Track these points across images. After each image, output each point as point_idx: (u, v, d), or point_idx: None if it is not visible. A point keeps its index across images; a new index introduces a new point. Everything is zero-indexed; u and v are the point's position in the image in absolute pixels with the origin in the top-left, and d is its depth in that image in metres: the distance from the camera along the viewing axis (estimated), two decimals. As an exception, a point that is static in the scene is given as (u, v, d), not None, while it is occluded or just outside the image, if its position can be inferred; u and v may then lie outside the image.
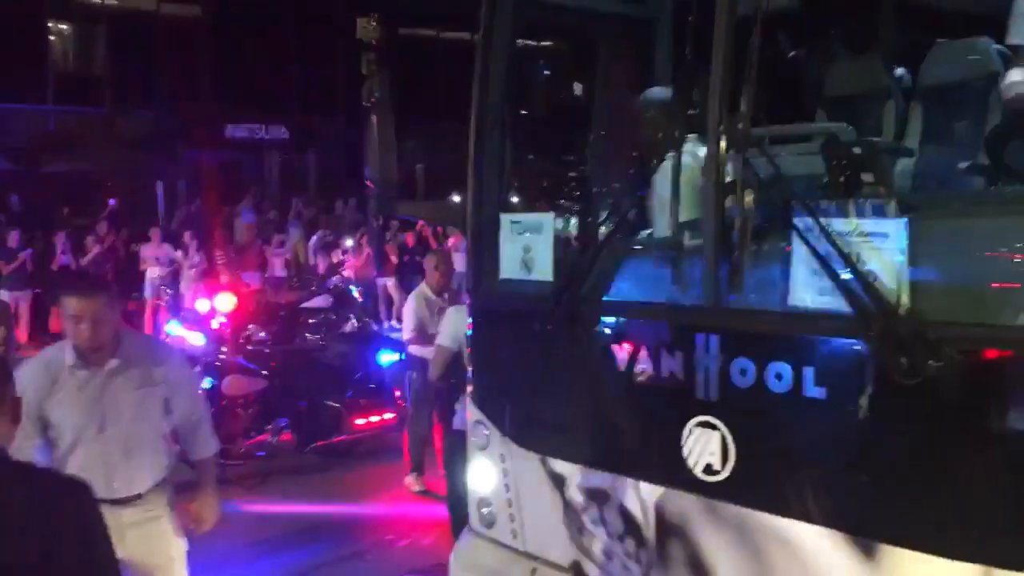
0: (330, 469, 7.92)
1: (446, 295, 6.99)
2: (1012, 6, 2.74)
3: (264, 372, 7.90)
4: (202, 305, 9.19)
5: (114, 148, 21.46)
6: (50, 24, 23.94)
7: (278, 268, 15.03)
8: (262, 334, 8.52)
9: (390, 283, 15.40)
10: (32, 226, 14.95)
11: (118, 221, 16.52)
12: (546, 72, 4.20)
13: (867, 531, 2.55)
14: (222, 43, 24.61)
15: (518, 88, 3.90)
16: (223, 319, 8.32)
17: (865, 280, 2.49)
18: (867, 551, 2.54)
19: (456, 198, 3.86)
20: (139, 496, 3.64)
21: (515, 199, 3.81)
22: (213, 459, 4.05)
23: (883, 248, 2.50)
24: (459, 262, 8.95)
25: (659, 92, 3.60)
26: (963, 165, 3.10)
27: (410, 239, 16.05)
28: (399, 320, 12.58)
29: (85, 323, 3.42)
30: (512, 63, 3.79)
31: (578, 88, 4.26)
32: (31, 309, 14.03)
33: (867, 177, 2.77)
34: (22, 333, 13.10)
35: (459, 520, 5.25)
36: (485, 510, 3.71)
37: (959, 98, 3.47)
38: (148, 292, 14.51)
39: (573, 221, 3.60)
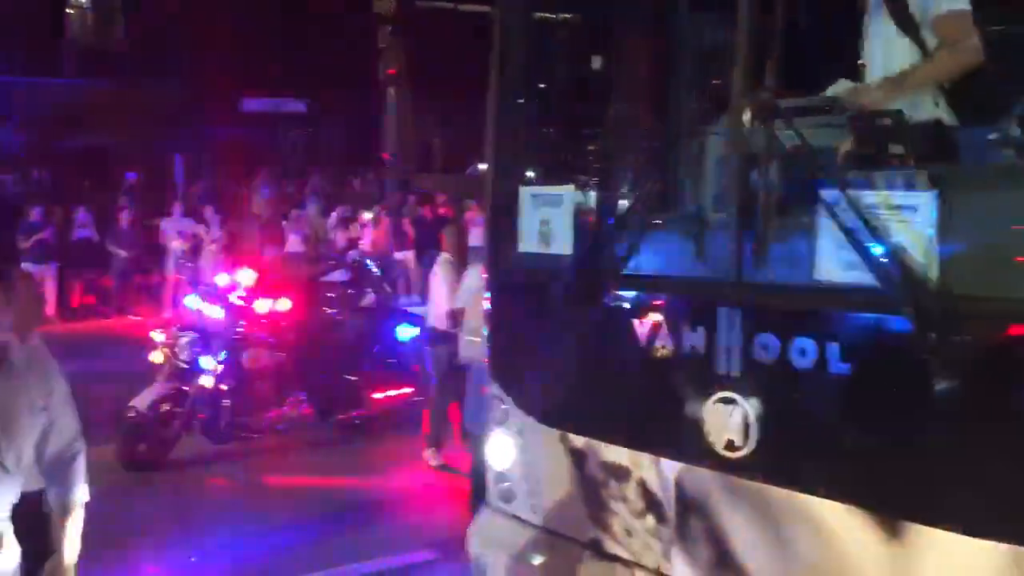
0: (349, 443, 7.96)
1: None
2: None
3: (283, 346, 7.92)
4: (222, 279, 9.20)
5: (132, 122, 21.47)
6: (68, -2, 23.96)
7: (296, 243, 15.03)
8: (281, 308, 8.53)
9: (408, 257, 15.40)
10: (52, 200, 15.01)
11: (137, 195, 16.57)
12: (566, 43, 4.14)
13: (892, 509, 2.51)
14: (239, 17, 24.52)
15: (537, 60, 3.84)
16: (242, 293, 8.32)
17: (893, 253, 2.44)
18: (893, 529, 2.51)
19: (482, 166, 3.82)
20: None
21: (535, 172, 3.76)
22: None
23: (912, 221, 2.45)
24: (475, 236, 8.94)
25: None
26: (993, 136, 3.03)
27: (427, 213, 16.02)
28: (418, 294, 12.58)
29: None
30: (531, 34, 3.73)
31: (598, 59, 4.20)
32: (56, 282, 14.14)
33: (896, 148, 2.71)
34: (49, 307, 13.22)
35: (479, 495, 5.28)
36: (503, 485, 3.70)
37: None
38: (170, 266, 14.58)
39: (593, 194, 3.56)
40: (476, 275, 5.56)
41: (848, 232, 2.50)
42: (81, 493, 3.25)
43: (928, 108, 2.99)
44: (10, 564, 3.04)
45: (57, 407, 3.07)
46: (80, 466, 3.25)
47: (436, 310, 7.10)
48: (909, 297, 2.40)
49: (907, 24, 2.97)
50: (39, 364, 3.17)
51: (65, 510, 3.21)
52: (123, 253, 14.43)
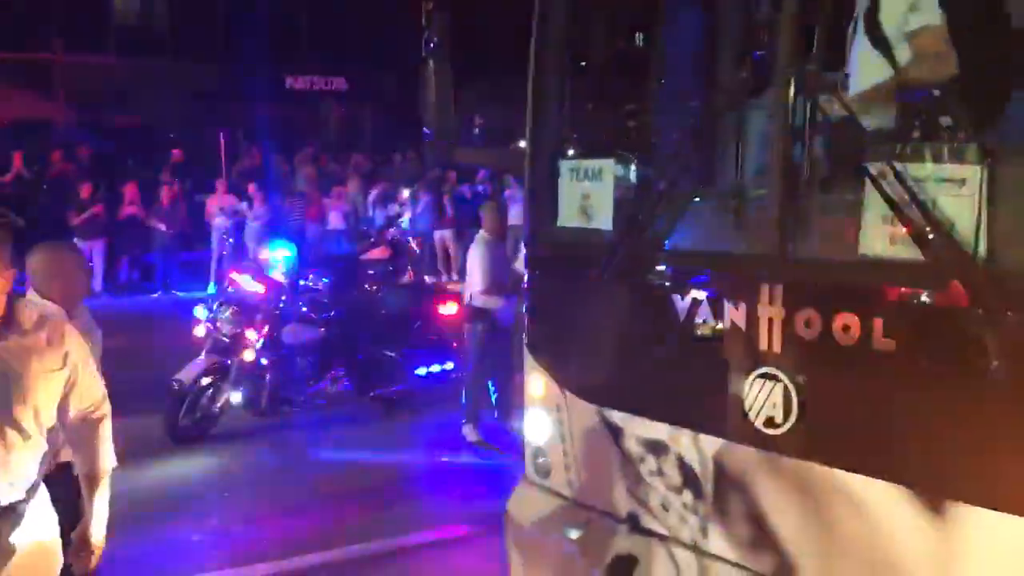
0: (388, 418, 8.03)
1: (507, 245, 7.00)
2: None
3: (324, 322, 7.99)
4: (264, 255, 9.29)
5: (176, 100, 21.71)
6: (113, -23, 24.21)
7: (337, 220, 15.13)
8: (322, 285, 8.60)
9: (448, 235, 15.43)
10: (99, 176, 15.22)
11: (181, 172, 16.76)
12: (606, 15, 4.10)
13: (936, 487, 2.48)
14: (281, -6, 24.63)
15: (578, 34, 3.81)
16: (284, 269, 8.40)
17: (940, 228, 2.39)
18: (933, 507, 2.47)
19: (522, 143, 3.80)
20: None
21: (575, 146, 3.74)
22: None
23: (959, 195, 2.40)
24: (514, 214, 8.92)
25: None
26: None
27: (466, 190, 16.02)
28: (458, 274, 12.60)
29: None
30: (572, 6, 3.70)
31: (640, 34, 4.15)
32: (104, 258, 14.38)
33: (944, 121, 2.65)
34: (96, 281, 13.45)
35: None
36: (541, 460, 3.70)
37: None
38: (214, 243, 14.75)
39: (634, 168, 3.53)
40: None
41: (894, 206, 2.45)
42: (108, 460, 3.23)
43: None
44: (48, 534, 3.04)
45: (79, 368, 3.03)
46: (106, 432, 3.22)
47: (473, 287, 7.10)
48: (956, 272, 2.35)
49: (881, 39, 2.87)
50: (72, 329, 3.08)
51: (92, 478, 3.20)
52: (164, 228, 14.61)
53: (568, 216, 3.48)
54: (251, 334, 7.42)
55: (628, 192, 3.44)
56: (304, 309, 8.05)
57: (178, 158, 17.40)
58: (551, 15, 3.62)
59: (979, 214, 2.35)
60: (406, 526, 5.77)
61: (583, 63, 3.90)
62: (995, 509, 2.35)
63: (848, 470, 2.65)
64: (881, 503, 2.59)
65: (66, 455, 3.48)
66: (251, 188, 14.68)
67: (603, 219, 3.34)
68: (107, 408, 3.25)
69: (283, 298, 7.87)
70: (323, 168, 17.88)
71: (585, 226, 3.41)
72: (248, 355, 7.38)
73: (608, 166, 3.37)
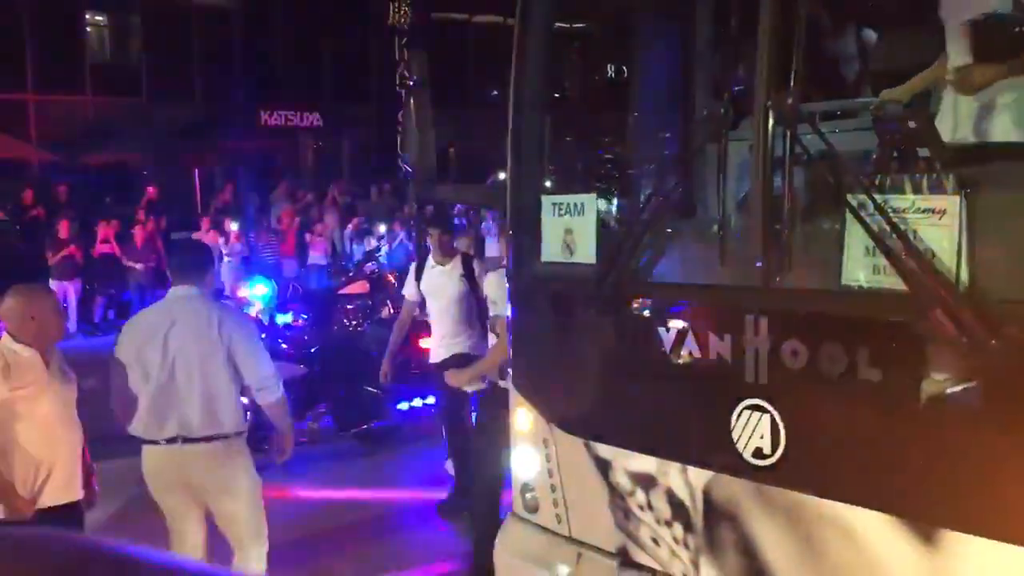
0: (370, 454, 7.95)
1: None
2: None
3: (304, 359, 7.93)
4: (242, 291, 9.25)
5: (151, 137, 21.68)
6: (87, 15, 24.20)
7: (317, 255, 15.09)
8: (301, 320, 8.55)
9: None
10: (75, 215, 15.12)
11: (157, 210, 16.68)
12: (584, 51, 4.14)
13: (924, 515, 2.48)
14: (255, 30, 24.74)
15: (556, 69, 3.84)
16: (262, 306, 8.35)
17: (921, 258, 2.42)
18: (924, 536, 2.48)
19: (501, 175, 3.81)
20: None
21: (555, 181, 3.76)
22: None
23: (939, 224, 2.42)
24: (491, 247, 8.93)
25: None
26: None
27: (445, 223, 16.01)
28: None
29: None
30: (549, 43, 3.73)
31: (617, 67, 4.19)
32: (79, 298, 14.25)
33: (922, 151, 2.69)
34: (71, 322, 13.30)
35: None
36: (529, 495, 3.68)
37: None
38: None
39: (616, 202, 3.55)
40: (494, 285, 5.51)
41: (876, 237, 2.48)
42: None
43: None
44: None
45: None
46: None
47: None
48: (938, 301, 2.37)
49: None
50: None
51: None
52: (139, 266, 14.51)
53: (551, 251, 3.49)
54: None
55: (611, 226, 3.45)
56: (284, 346, 8.00)
57: (153, 196, 17.33)
58: (528, 53, 3.65)
59: (959, 244, 2.38)
60: (390, 563, 5.70)
61: (560, 99, 3.93)
62: (984, 536, 2.35)
63: (838, 500, 2.65)
64: (871, 532, 2.59)
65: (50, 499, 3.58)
66: (227, 224, 14.62)
67: (586, 253, 3.35)
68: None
69: (262, 335, 7.81)
70: (300, 203, 17.87)
71: (568, 260, 3.41)
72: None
73: (590, 200, 3.38)
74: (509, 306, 3.83)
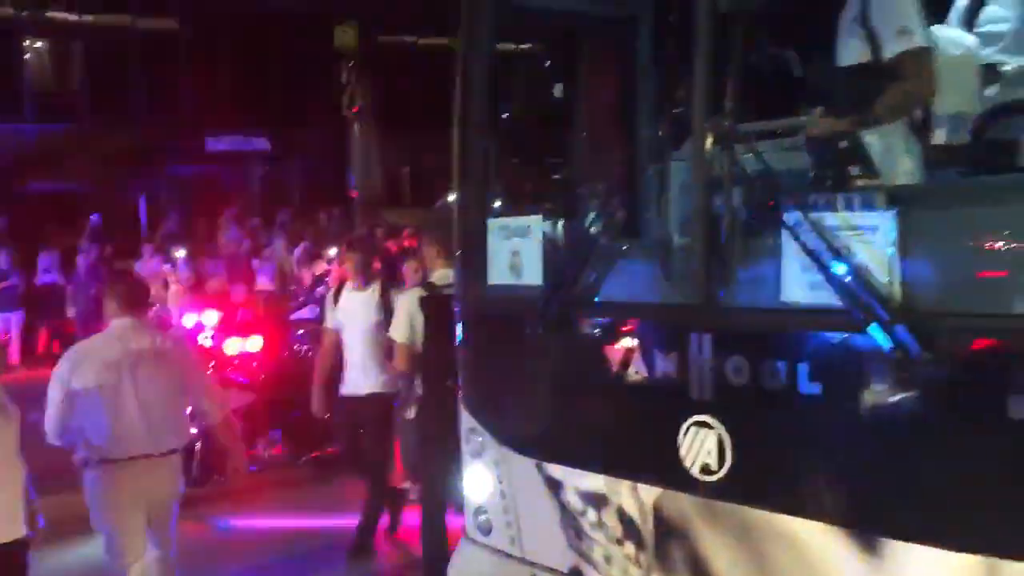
0: (325, 480, 7.87)
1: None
2: None
3: (254, 386, 7.85)
4: (189, 320, 9.13)
5: (95, 164, 21.34)
6: (26, 42, 23.81)
7: (264, 280, 14.94)
8: (251, 348, 8.46)
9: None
10: (15, 245, 14.83)
11: (101, 237, 16.41)
12: (528, 74, 4.19)
13: (867, 525, 2.54)
14: (199, 55, 24.51)
15: (500, 92, 3.88)
16: (210, 334, 8.25)
17: (856, 274, 2.48)
18: (868, 545, 2.53)
19: (451, 197, 3.83)
20: None
21: (503, 203, 3.79)
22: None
23: (873, 241, 2.49)
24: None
25: None
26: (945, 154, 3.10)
27: (392, 246, 15.98)
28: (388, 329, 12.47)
29: None
30: (493, 66, 3.77)
31: (561, 89, 4.25)
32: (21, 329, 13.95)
33: (854, 170, 2.77)
34: (14, 353, 13.01)
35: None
36: (482, 517, 3.68)
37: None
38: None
39: (561, 223, 3.59)
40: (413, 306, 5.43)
41: (812, 254, 2.54)
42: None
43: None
44: None
45: None
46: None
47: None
48: (873, 316, 2.43)
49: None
50: None
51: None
52: (83, 295, 14.24)
53: (498, 273, 3.51)
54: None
55: (556, 247, 3.49)
56: (233, 374, 7.91)
57: (97, 224, 17.04)
58: (472, 76, 3.69)
59: (891, 260, 2.45)
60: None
61: (505, 121, 3.96)
62: (929, 545, 2.41)
63: (784, 513, 2.70)
64: (816, 544, 2.63)
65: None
66: (174, 251, 14.42)
67: (533, 275, 3.38)
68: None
69: (211, 363, 7.72)
70: (248, 228, 17.69)
71: (515, 282, 3.44)
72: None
73: (536, 222, 3.42)
74: (459, 328, 3.84)
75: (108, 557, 4.62)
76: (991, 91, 3.10)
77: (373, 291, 6.28)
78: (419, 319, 5.32)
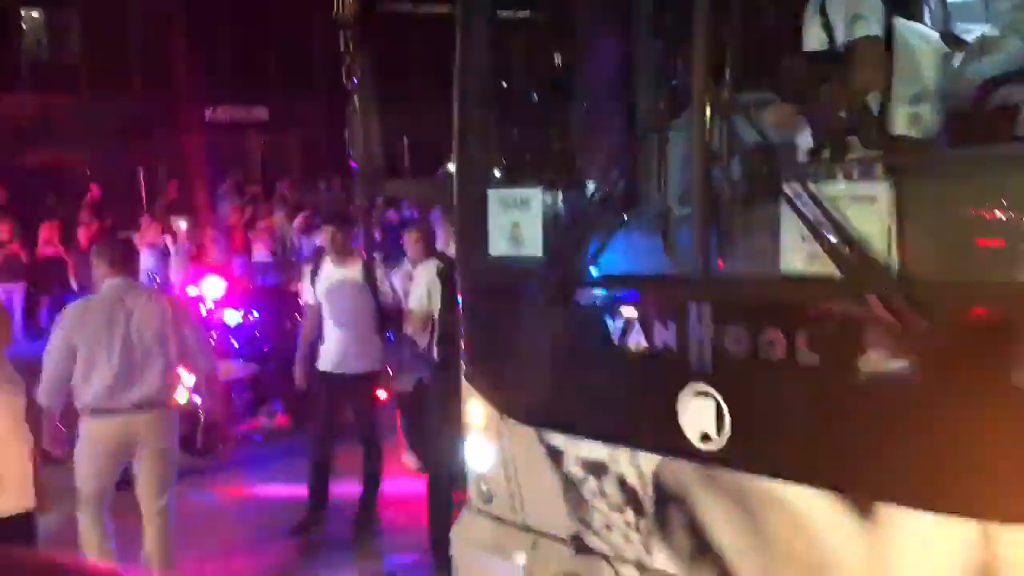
0: (326, 450, 7.92)
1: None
2: None
3: (255, 356, 7.89)
4: (191, 290, 9.15)
5: (93, 135, 21.25)
6: (22, 12, 23.63)
7: (263, 251, 14.93)
8: (251, 318, 8.50)
9: (376, 261, 15.30)
10: (18, 217, 14.80)
11: (101, 209, 16.39)
12: (528, 42, 4.17)
13: (864, 490, 2.57)
14: (197, 25, 24.33)
15: (500, 61, 3.87)
16: (211, 305, 8.28)
17: (854, 243, 2.50)
18: (865, 510, 2.57)
19: (451, 166, 3.83)
20: None
21: (503, 174, 3.79)
22: None
23: (871, 210, 2.51)
24: (441, 238, 8.86)
25: None
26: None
27: (393, 216, 15.96)
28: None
29: None
30: (493, 35, 3.76)
31: (561, 59, 4.23)
32: (24, 302, 13.96)
33: (853, 139, 2.77)
34: (17, 326, 13.02)
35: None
36: (484, 486, 3.73)
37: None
38: (141, 280, 14.38)
39: (561, 194, 3.59)
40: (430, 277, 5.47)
41: (809, 224, 2.55)
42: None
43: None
44: None
45: None
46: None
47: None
48: (870, 285, 2.45)
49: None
50: None
51: None
52: (85, 267, 14.24)
53: (499, 244, 3.53)
54: (182, 374, 7.28)
55: (557, 218, 3.50)
56: (235, 344, 7.94)
57: (96, 195, 17.01)
58: (472, 44, 3.68)
59: (890, 229, 2.46)
60: (351, 558, 5.72)
61: (505, 91, 3.95)
62: (925, 509, 2.45)
63: (781, 479, 2.74)
64: (813, 509, 2.68)
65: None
66: (174, 222, 14.40)
67: (533, 246, 3.40)
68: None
69: (212, 334, 7.75)
70: (248, 199, 17.66)
71: (516, 253, 3.45)
72: (181, 396, 7.24)
73: (536, 194, 3.43)
74: (461, 299, 3.86)
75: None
76: (956, 61, 3.07)
77: (355, 267, 6.10)
78: (437, 289, 5.36)
